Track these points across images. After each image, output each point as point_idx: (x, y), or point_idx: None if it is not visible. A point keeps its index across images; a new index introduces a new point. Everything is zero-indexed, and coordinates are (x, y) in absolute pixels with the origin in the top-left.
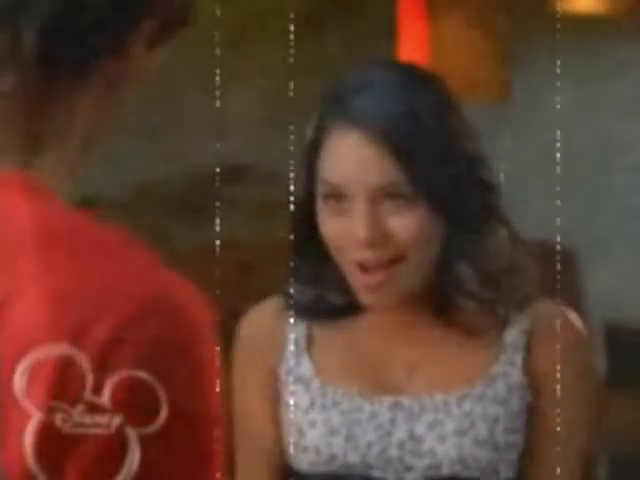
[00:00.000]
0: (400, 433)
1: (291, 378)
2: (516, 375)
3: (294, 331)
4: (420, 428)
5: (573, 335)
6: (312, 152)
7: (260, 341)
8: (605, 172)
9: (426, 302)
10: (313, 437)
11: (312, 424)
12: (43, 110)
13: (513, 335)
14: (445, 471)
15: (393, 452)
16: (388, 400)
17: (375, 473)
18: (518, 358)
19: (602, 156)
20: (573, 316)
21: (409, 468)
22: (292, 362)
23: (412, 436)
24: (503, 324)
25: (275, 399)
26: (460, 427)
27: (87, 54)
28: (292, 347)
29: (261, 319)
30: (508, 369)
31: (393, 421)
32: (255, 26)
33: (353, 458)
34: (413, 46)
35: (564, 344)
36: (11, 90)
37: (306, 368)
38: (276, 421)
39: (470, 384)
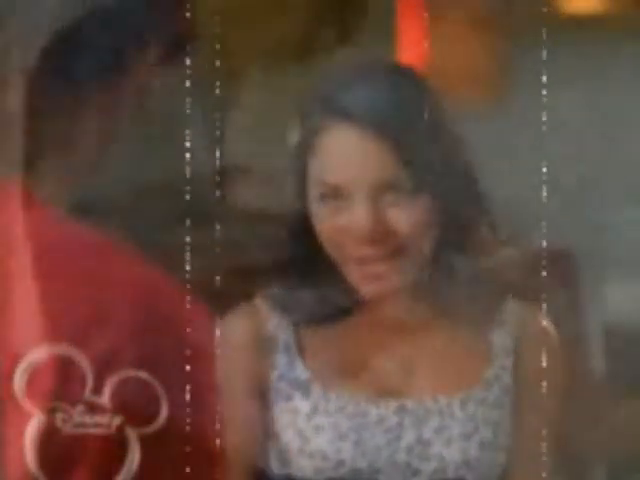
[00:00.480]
0: (409, 437)
1: (284, 383)
2: (507, 378)
3: (282, 335)
4: (428, 432)
5: (552, 339)
6: (303, 154)
7: (239, 345)
8: (604, 172)
9: (419, 300)
10: (319, 443)
11: (318, 429)
12: (45, 122)
13: (502, 338)
14: (450, 475)
15: (402, 456)
16: (393, 404)
17: (382, 478)
18: (508, 362)
19: (601, 156)
20: (546, 320)
21: (416, 472)
22: (284, 367)
23: (420, 440)
24: (492, 322)
25: (254, 404)
26: (465, 430)
27: (92, 72)
28: (282, 352)
29: (241, 322)
30: (500, 373)
31: (400, 425)
32: (252, 27)
33: (361, 463)
34: (412, 46)
35: (547, 348)
36: (16, 103)
37: (301, 373)
38: (253, 425)
39: (469, 386)
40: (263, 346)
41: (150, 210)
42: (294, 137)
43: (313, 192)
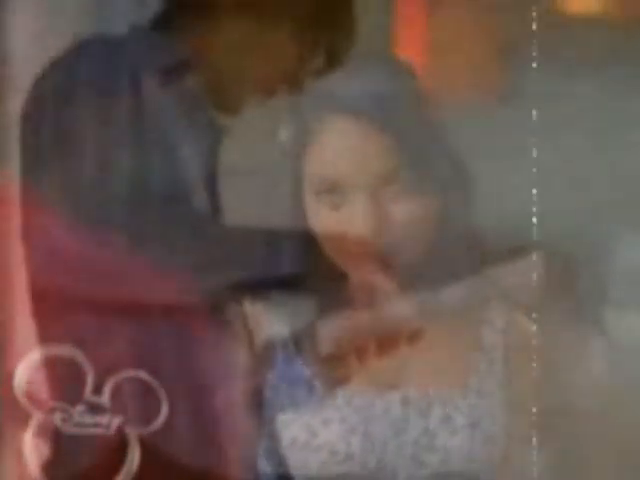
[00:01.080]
0: (415, 429)
1: (284, 381)
2: (499, 372)
3: (279, 334)
4: (433, 423)
5: (535, 338)
6: (297, 150)
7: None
8: (604, 173)
9: (415, 294)
10: (328, 436)
11: (326, 423)
12: (50, 133)
13: (490, 334)
14: (454, 467)
15: (408, 448)
16: (397, 395)
17: (387, 471)
18: (498, 357)
19: (601, 156)
20: (528, 320)
21: (421, 464)
22: (283, 366)
23: (426, 431)
24: (481, 319)
25: (250, 404)
26: (469, 422)
27: (99, 90)
28: (280, 350)
29: (232, 322)
30: (492, 367)
31: (406, 416)
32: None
33: (370, 456)
34: (411, 45)
35: (529, 347)
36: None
37: (301, 370)
38: (249, 426)
39: (465, 379)
40: (257, 345)
41: (149, 217)
42: (287, 133)
43: (309, 189)
